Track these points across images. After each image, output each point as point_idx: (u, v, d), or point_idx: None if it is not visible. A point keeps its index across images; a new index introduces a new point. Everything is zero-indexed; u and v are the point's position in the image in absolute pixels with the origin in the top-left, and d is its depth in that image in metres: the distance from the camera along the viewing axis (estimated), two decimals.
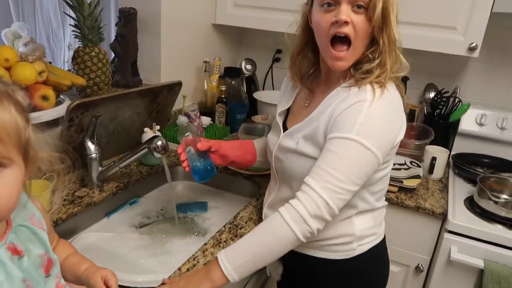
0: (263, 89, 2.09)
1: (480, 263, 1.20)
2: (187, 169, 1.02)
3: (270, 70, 2.06)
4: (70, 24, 1.28)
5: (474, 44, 1.40)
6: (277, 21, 1.63)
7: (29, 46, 1.14)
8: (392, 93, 0.83)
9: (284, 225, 0.78)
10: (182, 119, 1.06)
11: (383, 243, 1.00)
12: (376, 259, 0.99)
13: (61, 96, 1.18)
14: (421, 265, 1.38)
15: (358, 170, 0.78)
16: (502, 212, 1.23)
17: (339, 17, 0.78)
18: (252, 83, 2.02)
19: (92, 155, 1.11)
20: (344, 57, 0.82)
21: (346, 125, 0.78)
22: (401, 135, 0.86)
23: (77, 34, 1.27)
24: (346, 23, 0.79)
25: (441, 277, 1.31)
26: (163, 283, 0.82)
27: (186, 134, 1.04)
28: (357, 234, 0.92)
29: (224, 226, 1.06)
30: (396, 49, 0.83)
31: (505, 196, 1.31)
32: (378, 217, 0.97)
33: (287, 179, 0.94)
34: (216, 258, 0.81)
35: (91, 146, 1.10)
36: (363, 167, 0.79)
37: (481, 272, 1.21)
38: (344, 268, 0.95)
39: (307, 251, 0.96)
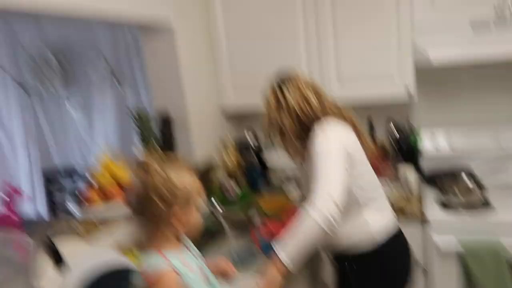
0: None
1: (455, 245, 1.66)
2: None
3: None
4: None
5: (408, 85, 1.95)
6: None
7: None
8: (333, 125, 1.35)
9: (313, 222, 1.19)
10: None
11: (398, 235, 1.44)
12: (391, 246, 1.40)
13: None
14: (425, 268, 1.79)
15: None
16: (458, 200, 1.73)
17: None
18: (260, 152, 2.42)
19: None
20: None
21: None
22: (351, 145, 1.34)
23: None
24: None
25: (437, 270, 1.74)
26: None
27: None
28: (369, 226, 1.37)
29: None
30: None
31: (457, 191, 1.81)
32: (381, 205, 1.43)
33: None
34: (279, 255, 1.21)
35: None
36: None
37: (460, 252, 1.66)
38: (366, 258, 1.38)
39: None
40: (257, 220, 1.85)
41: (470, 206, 1.75)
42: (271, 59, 2.14)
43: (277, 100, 1.37)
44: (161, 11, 1.90)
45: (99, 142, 3.33)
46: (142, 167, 0.95)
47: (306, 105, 1.36)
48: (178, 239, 1.01)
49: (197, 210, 1.01)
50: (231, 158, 2.32)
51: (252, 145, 2.45)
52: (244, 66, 2.26)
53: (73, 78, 3.41)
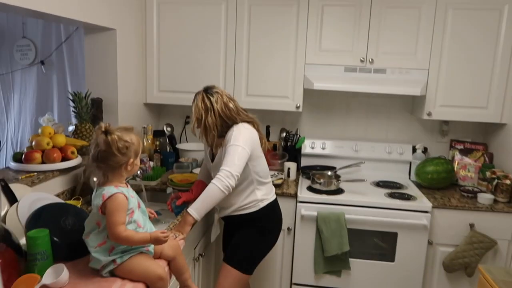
0: (180, 142, 3.08)
1: (314, 213, 2.34)
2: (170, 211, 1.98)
3: (184, 130, 3.09)
4: (73, 111, 2.15)
5: (298, 105, 2.64)
6: (187, 99, 2.68)
7: (56, 125, 1.99)
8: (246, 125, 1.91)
9: (215, 187, 1.76)
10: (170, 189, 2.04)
11: (275, 201, 2.05)
12: (271, 209, 2.02)
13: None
14: (289, 227, 2.46)
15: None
16: (322, 188, 2.42)
17: None
18: (172, 139, 3.01)
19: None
20: None
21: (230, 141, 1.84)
22: (257, 144, 1.93)
23: (76, 114, 2.14)
24: None
25: (300, 230, 2.41)
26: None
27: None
28: (258, 198, 1.96)
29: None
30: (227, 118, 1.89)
31: (322, 180, 2.50)
32: (268, 189, 2.03)
33: (214, 172, 1.96)
34: (188, 211, 1.74)
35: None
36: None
37: (316, 218, 2.34)
38: (255, 215, 1.96)
39: (236, 213, 1.96)
40: (170, 190, 2.32)
41: (329, 191, 2.45)
42: (194, 72, 2.70)
43: (205, 104, 1.88)
44: (106, 15, 2.28)
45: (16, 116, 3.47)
46: (104, 132, 1.36)
47: (226, 109, 1.89)
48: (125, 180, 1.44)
49: (138, 162, 1.46)
50: (149, 142, 2.75)
51: (166, 133, 2.96)
52: (169, 72, 2.74)
53: None
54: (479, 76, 2.51)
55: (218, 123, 1.88)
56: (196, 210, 1.74)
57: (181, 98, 2.74)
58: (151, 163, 2.62)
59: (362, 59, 2.57)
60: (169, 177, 2.45)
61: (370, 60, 2.57)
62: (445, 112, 2.59)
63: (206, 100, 1.87)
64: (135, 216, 1.38)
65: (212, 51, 2.67)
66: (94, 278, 1.33)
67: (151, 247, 1.43)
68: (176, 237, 1.66)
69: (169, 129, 3.04)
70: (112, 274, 1.35)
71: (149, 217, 1.52)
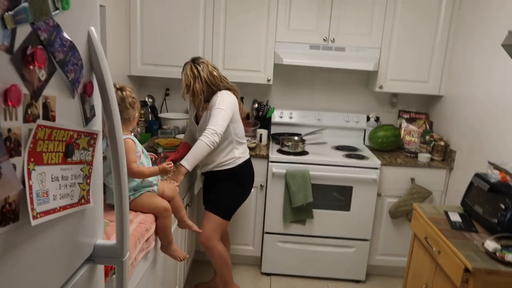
0: (161, 112, 3.37)
1: (283, 171, 2.73)
2: None
3: (164, 101, 3.37)
4: None
5: (269, 78, 3.00)
6: (168, 72, 2.97)
7: None
8: (228, 92, 2.26)
9: (203, 142, 2.10)
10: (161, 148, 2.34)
11: (249, 159, 2.42)
12: (246, 166, 2.40)
13: None
14: (261, 184, 2.85)
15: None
16: (290, 150, 2.82)
17: None
18: (154, 109, 3.29)
19: None
20: None
21: (215, 105, 2.17)
22: (237, 109, 2.28)
23: None
24: None
25: (271, 186, 2.80)
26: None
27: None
28: (236, 155, 2.32)
29: None
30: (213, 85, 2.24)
31: (290, 143, 2.89)
32: (244, 149, 2.39)
33: (200, 133, 2.29)
34: (181, 163, 2.07)
35: None
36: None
37: (285, 174, 2.74)
38: (233, 171, 2.33)
39: (216, 168, 2.31)
40: (161, 150, 2.63)
41: (296, 152, 2.85)
42: (174, 47, 2.96)
43: (193, 72, 2.19)
44: None
45: None
46: (118, 88, 1.67)
47: (211, 77, 2.21)
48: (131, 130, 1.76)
49: (138, 115, 1.77)
50: None
51: (148, 104, 3.24)
52: (152, 46, 2.99)
53: None
54: (422, 54, 2.96)
55: (204, 88, 2.20)
56: (188, 162, 2.07)
57: (163, 71, 3.01)
58: (138, 129, 2.92)
59: (325, 38, 2.95)
60: (155, 141, 2.75)
61: (332, 39, 2.94)
62: (394, 85, 3.03)
63: (194, 69, 2.18)
64: (142, 158, 1.71)
65: (192, 26, 2.95)
66: (113, 211, 1.65)
67: (155, 188, 1.76)
68: (175, 183, 2.00)
69: (150, 100, 3.32)
70: None
71: (152, 160, 1.86)
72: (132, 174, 1.62)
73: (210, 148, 2.11)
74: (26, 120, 0.62)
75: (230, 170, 2.33)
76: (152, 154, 1.95)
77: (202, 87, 2.19)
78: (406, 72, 3.00)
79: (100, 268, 0.99)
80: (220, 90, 2.24)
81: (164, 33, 2.97)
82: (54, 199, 0.69)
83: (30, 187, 0.62)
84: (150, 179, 1.74)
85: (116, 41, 2.82)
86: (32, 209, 0.62)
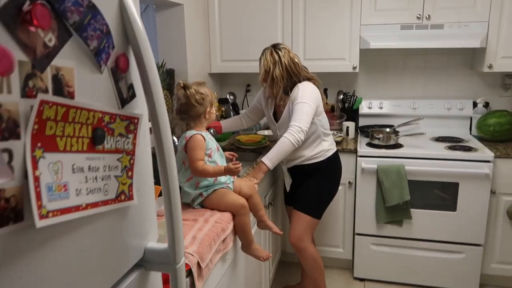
0: (242, 108, 3.30)
1: (375, 166, 2.46)
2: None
3: (245, 97, 3.30)
4: None
5: (355, 65, 2.74)
6: (247, 67, 2.87)
7: None
8: (310, 83, 2.07)
9: (287, 140, 1.95)
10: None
11: (337, 152, 2.23)
12: (335, 158, 2.22)
13: None
14: (350, 181, 2.60)
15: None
16: (381, 143, 2.53)
17: None
18: (235, 106, 3.23)
19: None
20: None
21: (297, 99, 2.00)
22: (320, 101, 2.08)
23: None
24: None
25: (360, 183, 2.54)
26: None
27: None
28: (325, 148, 2.13)
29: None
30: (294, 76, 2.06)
31: (381, 136, 2.60)
32: (331, 140, 2.20)
33: (281, 130, 2.14)
34: (262, 161, 1.94)
35: None
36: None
37: (376, 170, 2.46)
38: (323, 164, 2.15)
39: (305, 162, 2.14)
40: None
41: (388, 145, 2.55)
42: (253, 41, 2.85)
43: (273, 57, 2.04)
44: None
45: None
46: (182, 87, 1.60)
47: (293, 64, 2.05)
48: (205, 127, 1.68)
49: (213, 110, 1.68)
50: (215, 109, 2.99)
51: (230, 101, 3.18)
52: (230, 42, 2.93)
53: None
54: None
55: (284, 76, 2.04)
56: (270, 160, 1.91)
57: (242, 66, 2.93)
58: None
59: (418, 15, 2.60)
60: (236, 138, 2.68)
61: (427, 16, 2.59)
62: (507, 64, 2.56)
63: (274, 54, 2.04)
64: (214, 157, 1.61)
65: (270, 19, 2.82)
66: (188, 210, 1.58)
67: (231, 184, 1.65)
68: (255, 180, 1.87)
69: (231, 97, 3.27)
70: (202, 206, 1.59)
71: (230, 159, 1.75)
72: (195, 172, 1.53)
73: (294, 146, 1.94)
74: (26, 94, 0.50)
75: (319, 164, 2.16)
76: (232, 153, 1.84)
77: (282, 73, 2.03)
78: None
79: (155, 276, 0.87)
80: (300, 81, 2.07)
81: (242, 28, 2.89)
82: (77, 194, 0.58)
83: (37, 178, 0.51)
84: (223, 178, 1.63)
85: (196, 39, 2.81)
86: (40, 206, 0.51)
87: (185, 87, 1.59)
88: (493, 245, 2.50)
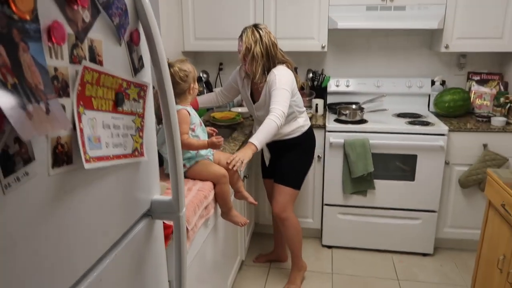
0: (215, 87, 3.37)
1: (342, 140, 2.63)
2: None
3: (218, 75, 3.37)
4: None
5: (324, 44, 2.87)
6: (220, 45, 2.95)
7: None
8: (284, 68, 2.18)
9: (274, 123, 2.04)
10: None
11: (311, 127, 2.37)
12: (310, 133, 2.37)
13: None
14: (319, 155, 2.77)
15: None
16: (347, 119, 2.70)
17: None
18: (209, 84, 3.30)
19: None
20: None
21: (274, 84, 2.10)
22: (295, 84, 2.21)
23: None
24: None
25: (329, 157, 2.71)
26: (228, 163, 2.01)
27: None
28: (301, 124, 2.27)
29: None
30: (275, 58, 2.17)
31: (348, 112, 2.77)
32: (306, 116, 2.34)
33: (260, 116, 2.24)
34: (251, 141, 2.02)
35: None
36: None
37: (343, 144, 2.64)
38: (299, 138, 2.29)
39: (284, 138, 2.27)
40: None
41: (354, 121, 2.73)
42: (225, 19, 2.91)
43: (255, 36, 2.11)
44: None
45: None
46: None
47: (272, 46, 2.14)
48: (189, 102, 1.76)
49: (196, 85, 1.76)
50: None
51: (203, 79, 3.26)
52: (203, 20, 2.97)
53: None
54: (495, 7, 2.66)
55: (264, 55, 2.12)
56: (259, 140, 1.95)
57: (215, 44, 2.99)
58: None
59: None
60: (211, 115, 2.77)
61: None
62: (462, 44, 2.77)
63: (256, 32, 2.12)
64: (197, 131, 1.70)
65: None
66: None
67: (211, 157, 1.76)
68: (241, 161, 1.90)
69: (205, 75, 3.33)
70: (185, 176, 1.69)
71: (211, 134, 1.85)
72: (182, 145, 1.62)
73: (278, 129, 2.04)
74: (72, 60, 0.61)
75: (296, 139, 2.31)
76: (213, 129, 1.93)
77: (262, 52, 2.12)
78: (476, 28, 2.72)
79: (159, 224, 1.00)
80: (275, 64, 2.17)
81: (214, 6, 2.94)
82: (106, 147, 0.68)
83: (81, 130, 0.61)
84: (203, 151, 1.73)
85: (170, 17, 2.84)
86: (85, 152, 0.62)
87: (169, 65, 1.66)
88: (446, 211, 2.76)
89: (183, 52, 3.11)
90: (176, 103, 1.67)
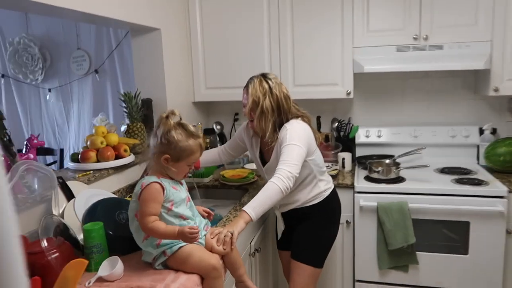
0: (230, 138, 3.05)
1: (374, 203, 2.19)
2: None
3: (233, 127, 3.06)
4: (124, 111, 2.18)
5: (349, 91, 2.51)
6: (234, 94, 2.64)
7: (109, 125, 2.02)
8: (299, 121, 1.81)
9: (276, 186, 1.64)
10: None
11: (334, 190, 1.97)
12: (334, 196, 1.96)
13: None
14: (347, 220, 2.33)
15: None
16: (380, 177, 2.26)
17: None
18: (223, 136, 2.98)
19: None
20: None
21: (285, 141, 1.73)
22: (312, 140, 1.83)
23: (128, 114, 2.17)
24: None
25: (359, 223, 2.27)
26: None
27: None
28: (322, 189, 1.88)
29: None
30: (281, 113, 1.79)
31: (380, 169, 2.34)
32: (328, 178, 1.95)
33: (269, 175, 1.85)
34: (244, 210, 1.64)
35: None
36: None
37: (377, 208, 2.19)
38: (320, 205, 1.89)
39: (303, 206, 1.88)
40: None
41: (388, 179, 2.29)
42: (239, 66, 2.64)
43: (263, 87, 1.77)
44: (150, 16, 2.31)
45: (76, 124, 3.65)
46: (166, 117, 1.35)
47: (284, 99, 1.80)
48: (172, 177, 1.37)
49: (185, 166, 1.35)
50: None
51: (216, 131, 2.95)
52: (215, 69, 2.72)
53: (54, 69, 3.72)
54: None
55: (274, 109, 1.78)
56: (253, 209, 1.58)
57: (228, 93, 2.70)
58: None
59: (415, 36, 2.39)
60: (221, 173, 2.42)
61: (424, 36, 2.38)
62: None
63: (264, 83, 1.79)
64: (179, 209, 1.33)
65: (256, 42, 2.61)
66: (148, 271, 1.30)
67: (202, 239, 1.38)
68: (230, 235, 1.52)
69: (218, 127, 3.03)
70: (166, 266, 1.31)
71: (204, 216, 1.49)
72: (143, 229, 1.26)
73: (283, 195, 1.64)
74: None
75: (316, 206, 1.90)
76: (207, 210, 1.55)
77: (273, 105, 1.79)
78: None
79: None
80: (288, 120, 1.81)
81: (227, 54, 2.68)
82: None
83: None
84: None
85: (176, 66, 2.59)
86: None
87: (167, 116, 1.35)
88: None
89: (194, 102, 2.83)
90: (153, 172, 1.33)
